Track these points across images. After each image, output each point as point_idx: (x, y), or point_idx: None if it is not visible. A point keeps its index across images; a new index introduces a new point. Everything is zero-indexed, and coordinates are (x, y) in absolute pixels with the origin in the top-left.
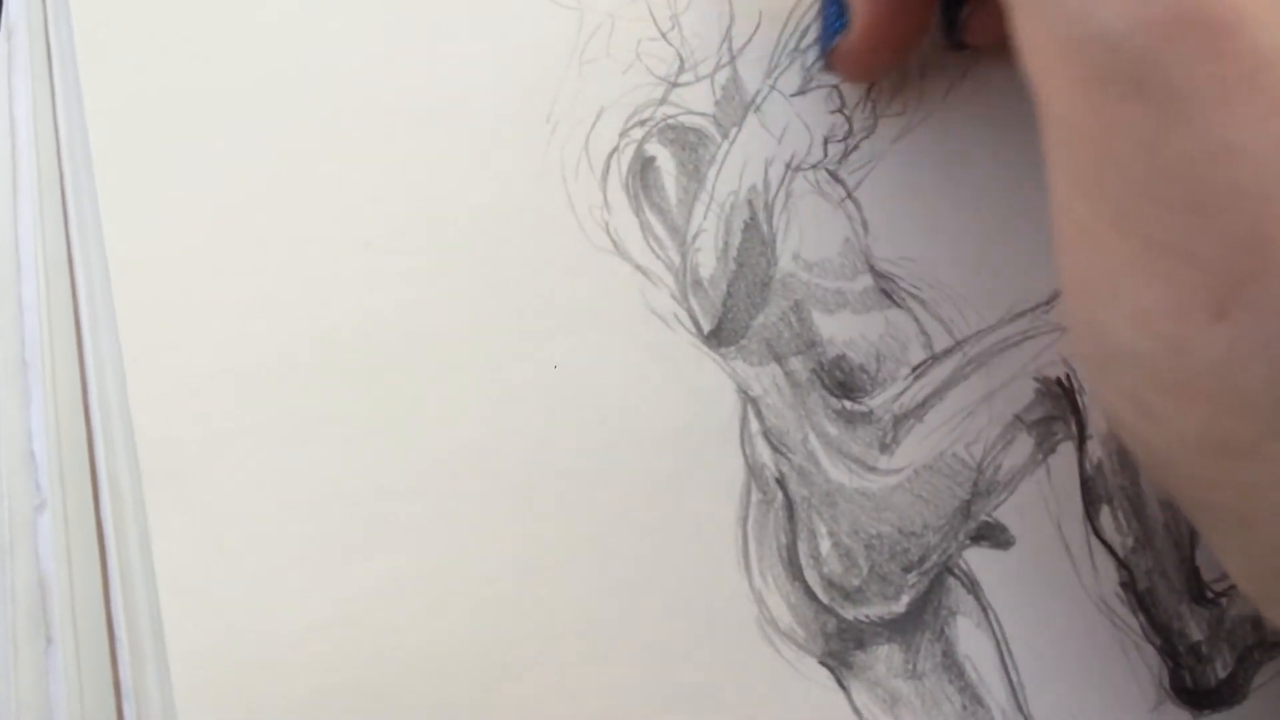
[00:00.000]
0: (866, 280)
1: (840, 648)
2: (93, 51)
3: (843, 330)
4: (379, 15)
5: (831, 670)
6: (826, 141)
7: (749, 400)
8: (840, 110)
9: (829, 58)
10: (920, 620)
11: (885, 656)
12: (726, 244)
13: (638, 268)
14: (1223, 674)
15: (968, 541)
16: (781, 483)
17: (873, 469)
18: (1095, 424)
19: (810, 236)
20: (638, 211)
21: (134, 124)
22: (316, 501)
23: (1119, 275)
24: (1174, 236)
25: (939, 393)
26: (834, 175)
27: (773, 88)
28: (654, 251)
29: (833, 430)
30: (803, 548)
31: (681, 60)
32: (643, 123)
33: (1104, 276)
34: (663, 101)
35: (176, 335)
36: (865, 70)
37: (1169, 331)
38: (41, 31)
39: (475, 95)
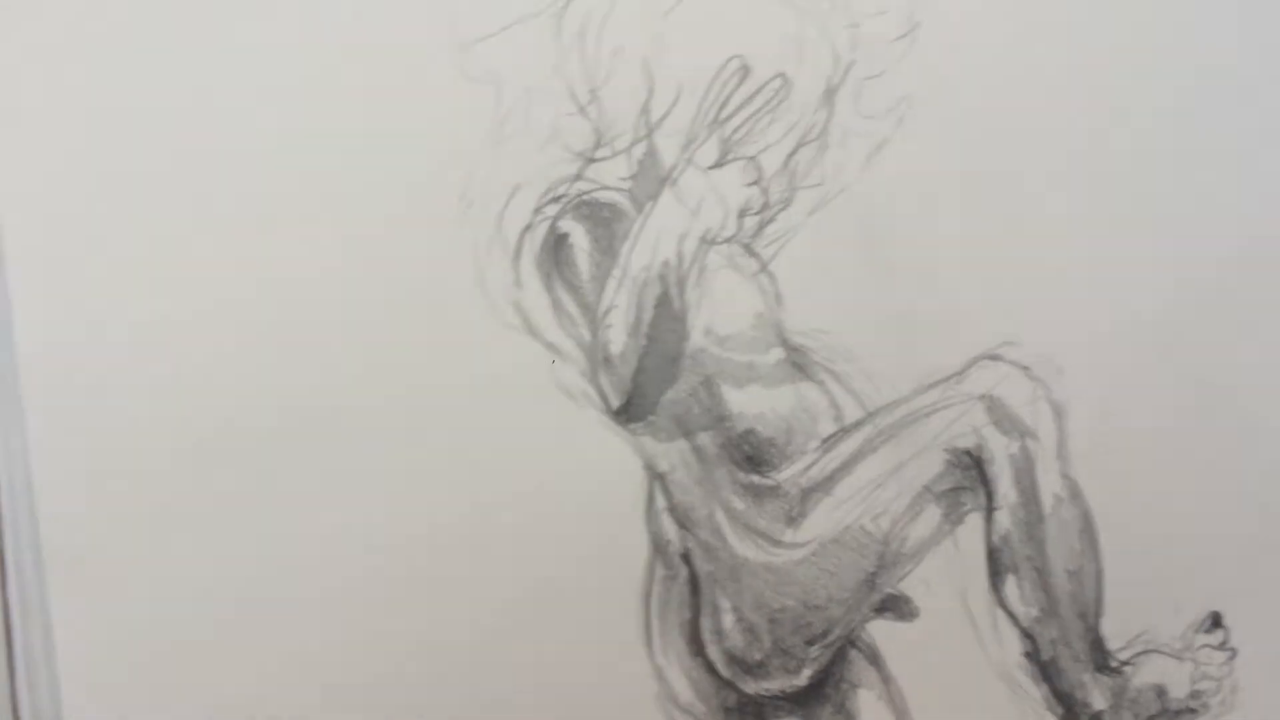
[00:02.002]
0: (779, 353)
1: None
2: None
3: (753, 404)
4: (293, 88)
5: None
6: (742, 214)
7: (656, 476)
8: (757, 182)
9: None
10: (822, 693)
11: None
12: (638, 320)
13: (547, 345)
14: None
15: (872, 614)
16: (686, 558)
17: (779, 543)
18: (1003, 494)
19: (723, 310)
20: (549, 289)
21: (44, 194)
22: (218, 585)
23: None
24: None
25: (848, 465)
26: (749, 248)
27: (689, 161)
28: (564, 329)
29: (740, 505)
30: (705, 623)
31: (598, 135)
32: (557, 199)
33: None
34: (578, 177)
35: (84, 420)
36: None
37: None
38: None
39: (389, 173)
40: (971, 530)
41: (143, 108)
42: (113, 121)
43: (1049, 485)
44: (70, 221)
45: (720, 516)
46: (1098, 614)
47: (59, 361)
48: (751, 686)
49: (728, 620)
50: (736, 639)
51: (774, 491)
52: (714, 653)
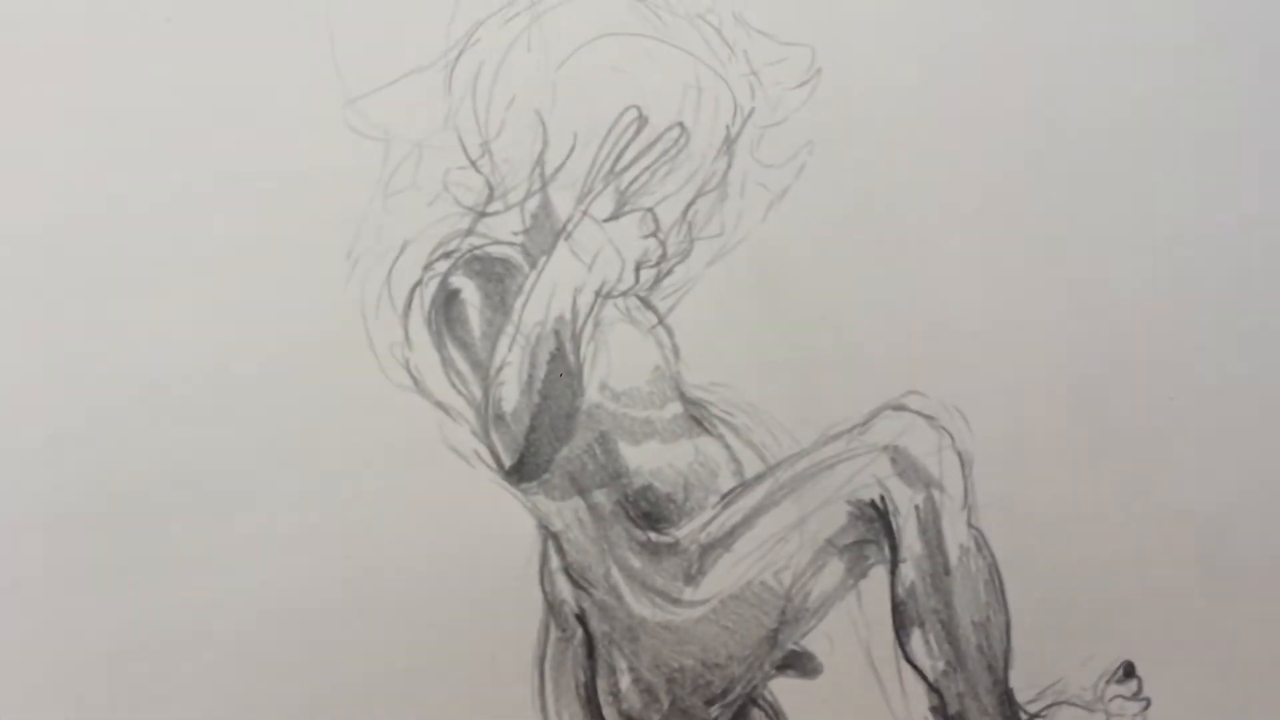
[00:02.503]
0: (676, 408)
1: None
2: None
3: (650, 460)
4: (176, 143)
5: None
6: (639, 267)
7: (550, 536)
8: (654, 234)
9: None
10: None
11: None
12: (531, 376)
13: (437, 404)
14: None
15: (774, 671)
16: (582, 619)
17: (677, 601)
18: (908, 547)
19: (619, 365)
20: (439, 347)
21: None
22: (101, 654)
23: None
24: None
25: (749, 520)
26: (645, 301)
27: (585, 213)
28: (455, 387)
29: (636, 563)
30: (602, 684)
31: (491, 188)
32: (448, 254)
33: None
34: (470, 232)
35: None
36: None
37: None
38: None
39: (274, 231)
40: (876, 584)
41: (25, 167)
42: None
43: (955, 536)
44: None
45: (617, 575)
46: (1006, 666)
47: None
48: None
49: (624, 681)
50: (634, 700)
51: (672, 549)
52: (610, 715)
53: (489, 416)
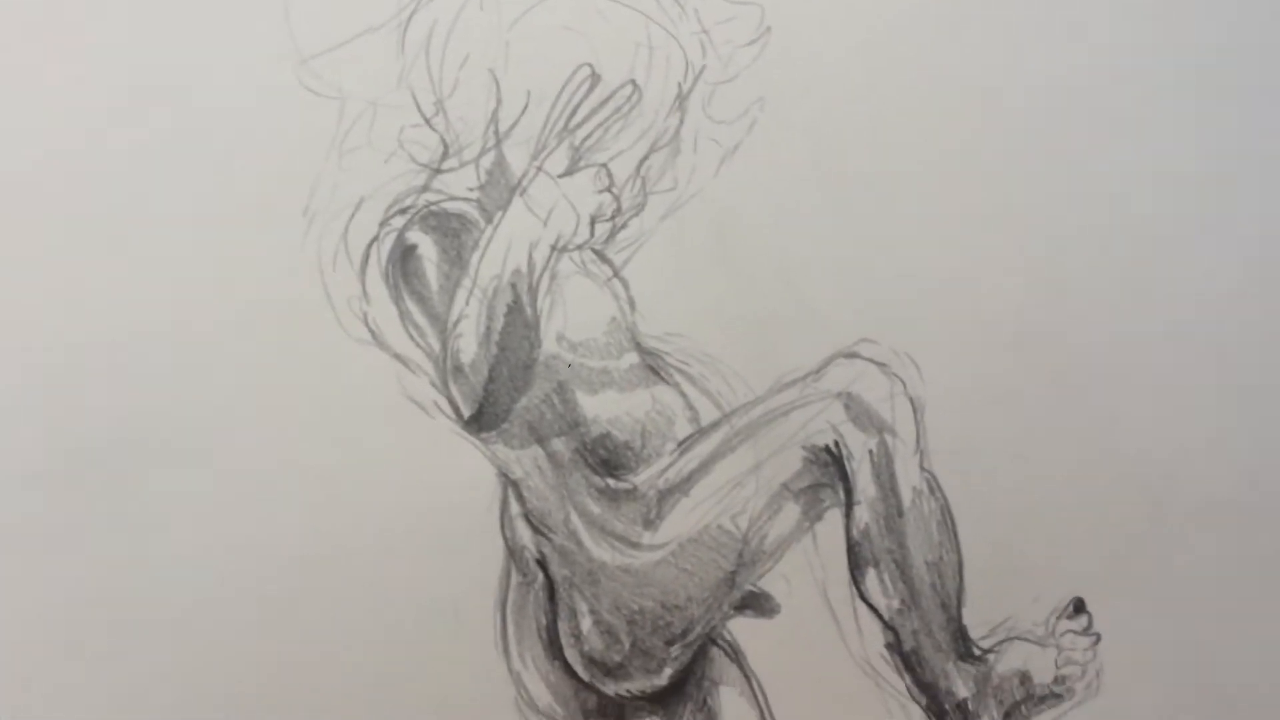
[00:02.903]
0: (633, 358)
1: None
2: None
3: (607, 409)
4: (137, 108)
5: None
6: (594, 221)
7: (510, 483)
8: (609, 189)
9: None
10: (683, 692)
11: None
12: (489, 329)
13: (396, 356)
14: None
15: (732, 611)
16: (542, 563)
17: (636, 545)
18: (863, 489)
19: (575, 317)
20: (397, 300)
21: None
22: (63, 608)
23: None
24: None
25: (705, 466)
26: (601, 254)
27: (539, 169)
28: (414, 340)
29: (595, 509)
30: (563, 627)
31: (446, 146)
32: (404, 210)
33: None
34: (425, 188)
35: None
36: None
37: None
38: None
39: (232, 188)
40: (831, 526)
41: None
42: None
43: (908, 479)
44: None
45: (576, 521)
46: (959, 604)
47: None
48: (612, 688)
49: (586, 623)
50: (595, 641)
51: (631, 494)
52: (573, 656)
53: (448, 368)
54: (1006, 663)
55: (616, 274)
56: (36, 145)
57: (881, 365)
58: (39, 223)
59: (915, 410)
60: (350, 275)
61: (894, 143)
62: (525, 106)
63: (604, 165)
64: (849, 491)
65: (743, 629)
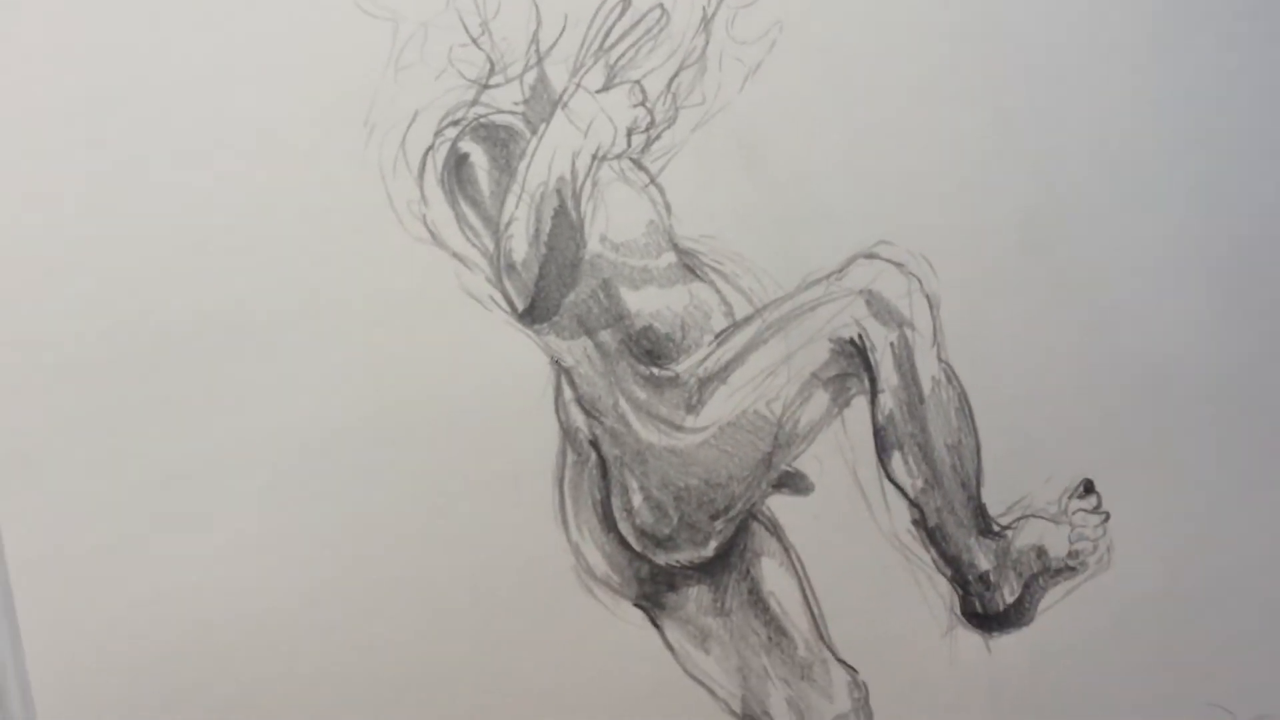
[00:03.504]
0: (670, 257)
1: (653, 591)
2: None
3: (649, 303)
4: (204, 31)
5: (645, 611)
6: (630, 133)
7: (562, 371)
8: (643, 104)
9: None
10: (728, 562)
11: (695, 596)
12: (538, 230)
13: (454, 255)
14: (1010, 599)
15: (770, 490)
16: (595, 444)
17: (680, 428)
18: (886, 379)
19: (616, 220)
20: (453, 204)
21: None
22: (153, 481)
23: None
24: None
25: (741, 356)
26: (638, 163)
27: (578, 85)
28: (469, 240)
29: (641, 394)
30: (616, 502)
31: (492, 64)
32: (456, 122)
33: None
34: (474, 102)
35: (19, 333)
36: None
37: None
38: None
39: (296, 102)
40: (858, 412)
41: (66, 55)
42: (47, 77)
43: (927, 369)
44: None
45: (624, 405)
46: (978, 484)
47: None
48: (662, 558)
49: (636, 499)
50: (646, 515)
51: (673, 382)
52: (625, 529)
53: (501, 266)
54: (1023, 538)
55: (653, 181)
56: (117, 59)
57: (899, 265)
58: (129, 133)
59: (931, 306)
60: (409, 181)
61: (903, 58)
62: (563, 28)
63: (637, 82)
64: (873, 380)
65: (780, 505)
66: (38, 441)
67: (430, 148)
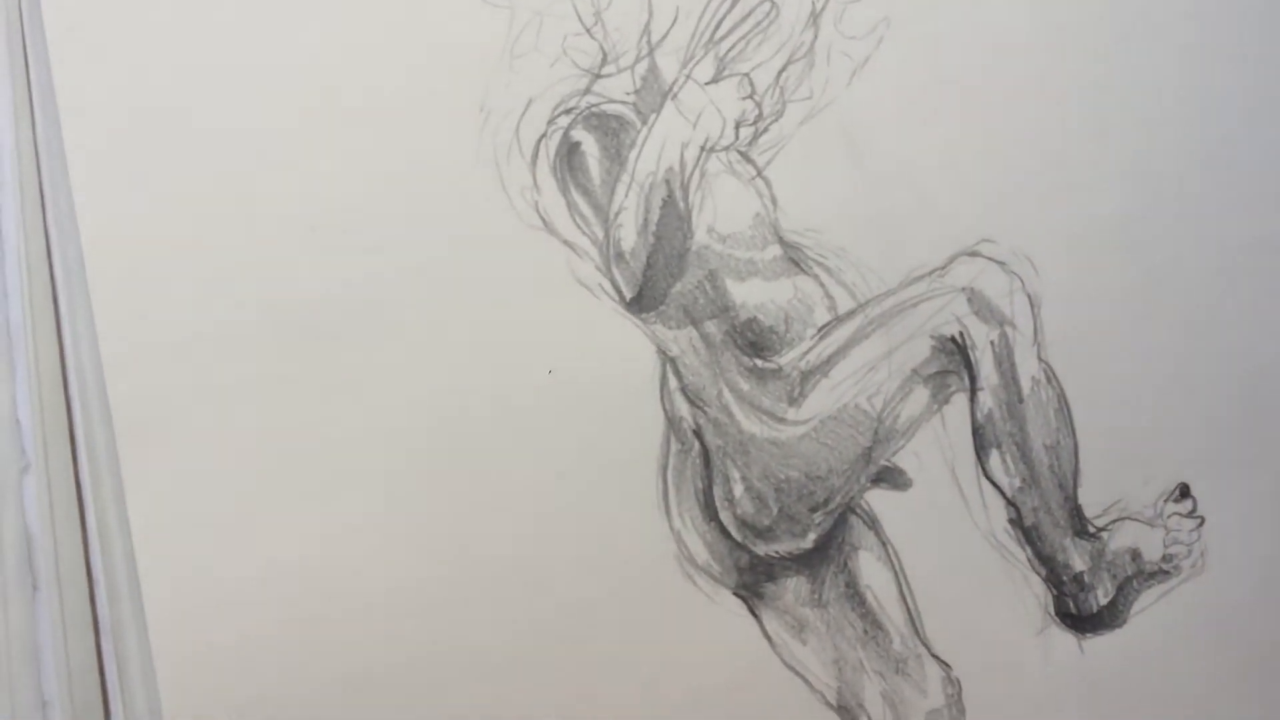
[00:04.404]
0: (776, 250)
1: (752, 580)
2: (65, 63)
3: (754, 295)
4: (326, 18)
5: (744, 600)
6: (738, 125)
7: (668, 360)
8: (751, 96)
9: None
10: (826, 555)
11: (794, 587)
12: (646, 220)
13: (565, 242)
14: (1104, 601)
15: (869, 484)
16: (698, 433)
17: (782, 420)
18: (986, 377)
19: (723, 211)
20: (565, 192)
21: (103, 126)
22: (274, 456)
23: None
24: None
25: (842, 350)
26: (745, 155)
27: (688, 77)
28: (580, 228)
29: (745, 386)
30: (718, 492)
31: (604, 53)
32: (569, 111)
33: None
34: (587, 91)
35: (146, 308)
36: None
37: None
38: (20, 44)
39: (414, 87)
40: (958, 409)
41: (190, 34)
42: (171, 60)
43: (1027, 369)
44: (126, 140)
45: (728, 396)
46: (1075, 484)
47: (122, 252)
48: (762, 549)
49: (738, 489)
50: (747, 506)
51: (776, 374)
52: (727, 518)
53: (610, 254)
54: (1119, 540)
55: (760, 173)
56: (239, 42)
57: (1001, 263)
58: (251, 116)
59: (1032, 305)
60: (522, 167)
61: (1007, 58)
62: (674, 19)
63: (746, 75)
64: (973, 378)
65: (879, 500)
66: (158, 419)
67: (543, 135)
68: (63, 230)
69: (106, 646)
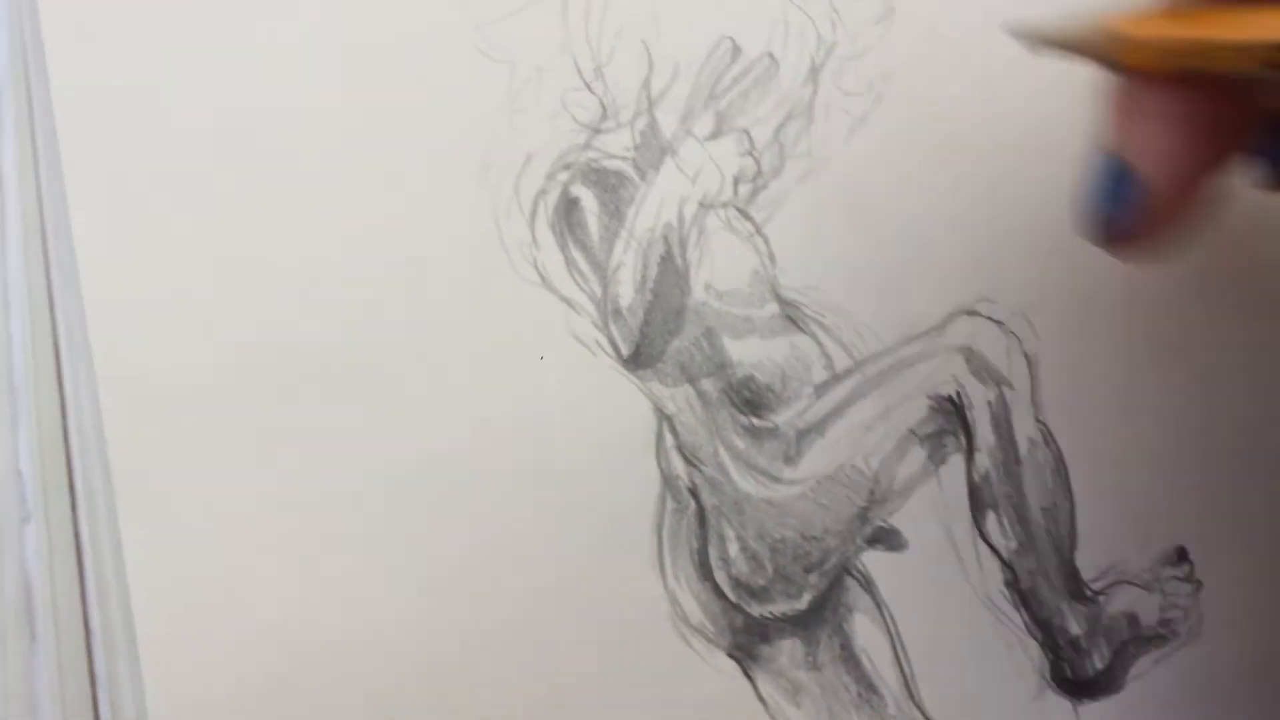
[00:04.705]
0: (773, 308)
1: (747, 641)
2: (69, 109)
3: (751, 353)
4: (329, 71)
5: (739, 662)
6: (737, 181)
7: (664, 417)
8: (750, 153)
9: (1108, 234)
10: (821, 616)
11: (788, 649)
12: (644, 276)
13: (563, 298)
14: (1100, 666)
15: (864, 545)
16: (694, 492)
17: (778, 479)
18: (982, 438)
19: (721, 268)
20: (563, 247)
21: (106, 176)
22: (272, 510)
23: None
24: None
25: (839, 410)
26: (744, 212)
27: (688, 133)
28: (578, 284)
29: (741, 444)
30: (713, 551)
31: (604, 108)
32: (568, 166)
33: None
34: (586, 147)
35: (146, 363)
36: (1156, 246)
37: None
38: (24, 92)
39: (415, 141)
40: (954, 470)
41: (191, 88)
42: (158, 107)
43: (1024, 430)
44: (129, 190)
45: (724, 454)
46: (1072, 547)
47: (123, 302)
48: (756, 609)
49: (733, 549)
50: (742, 566)
51: (772, 433)
52: (721, 578)
53: (608, 310)
54: (1115, 604)
55: (758, 230)
56: (242, 92)
57: (999, 323)
58: (246, 168)
59: (1030, 365)
60: (521, 223)
61: (1007, 114)
62: (674, 75)
63: (745, 131)
64: (970, 439)
65: (874, 561)
66: (158, 472)
67: (542, 190)
68: (65, 283)
69: (102, 698)
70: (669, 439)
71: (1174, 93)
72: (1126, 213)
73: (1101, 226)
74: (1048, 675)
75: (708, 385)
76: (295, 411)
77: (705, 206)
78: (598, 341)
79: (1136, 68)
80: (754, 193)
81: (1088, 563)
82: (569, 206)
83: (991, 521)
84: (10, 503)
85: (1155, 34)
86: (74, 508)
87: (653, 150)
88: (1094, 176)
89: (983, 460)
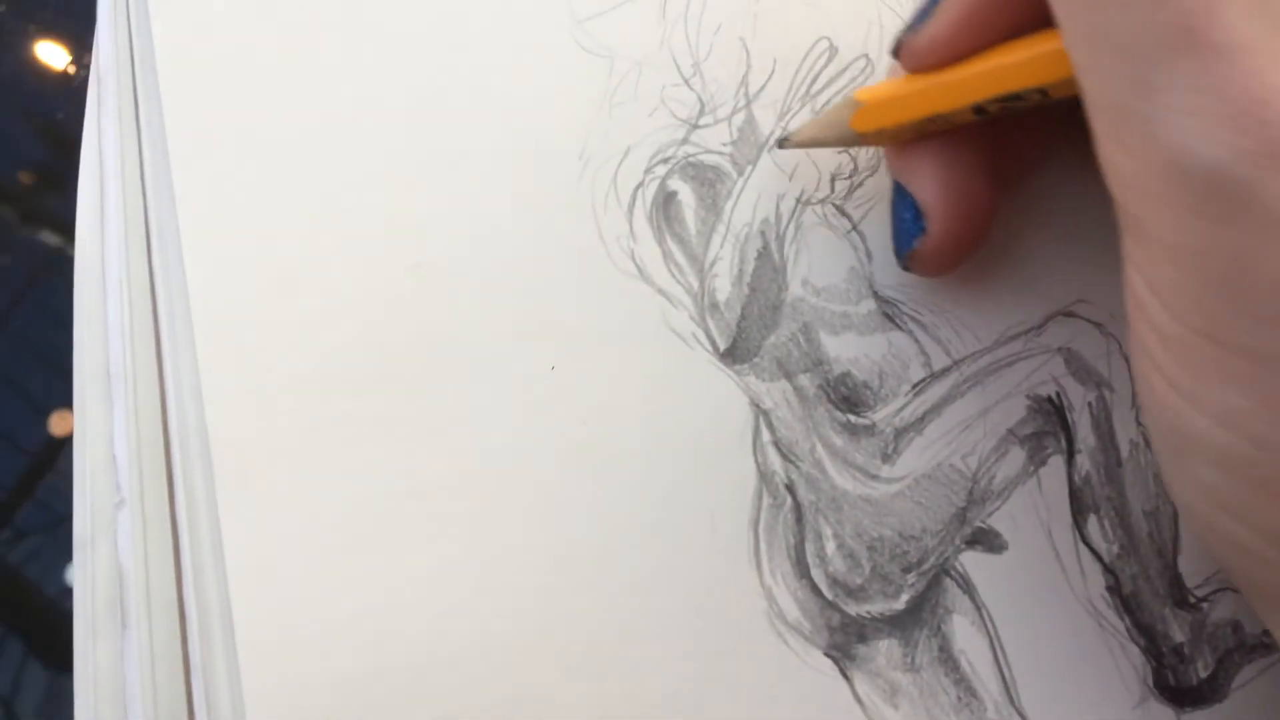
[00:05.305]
0: (870, 305)
1: (844, 641)
2: (175, 95)
3: (848, 350)
4: (433, 63)
5: (835, 661)
6: (834, 178)
7: (761, 413)
8: (847, 150)
9: (908, 260)
10: (919, 617)
11: (886, 650)
12: (741, 270)
13: (660, 291)
14: (1204, 674)
15: (963, 545)
16: (790, 488)
17: (875, 477)
18: (1083, 439)
19: (818, 264)
20: (660, 241)
21: (212, 159)
22: (370, 499)
23: (1205, 376)
24: (1265, 344)
25: (937, 408)
26: (840, 209)
27: (785, 129)
28: (674, 277)
29: (838, 441)
30: (810, 548)
31: (702, 104)
32: (666, 160)
33: (1188, 377)
34: (684, 141)
35: (246, 349)
36: (946, 268)
37: (1256, 431)
38: (129, 76)
39: (516, 134)
40: (1054, 471)
41: (297, 82)
42: (266, 95)
43: (1126, 432)
44: (234, 175)
45: (821, 451)
46: (1175, 553)
47: (226, 289)
48: (853, 608)
49: (830, 546)
50: (839, 564)
51: (870, 430)
52: (818, 576)
53: (705, 304)
54: (1219, 612)
55: (855, 227)
56: (343, 86)
57: (1098, 324)
58: (347, 160)
59: (1130, 367)
60: (619, 215)
61: None
62: (771, 72)
63: None
64: (1070, 440)
65: (973, 562)
66: (257, 458)
67: (640, 184)
68: (167, 267)
69: (196, 686)
70: (765, 434)
71: (921, 147)
72: (919, 240)
73: (901, 253)
74: (1150, 682)
75: (804, 381)
76: (395, 402)
77: (802, 203)
78: (694, 335)
79: (876, 143)
80: (851, 189)
81: (1191, 569)
82: (666, 200)
83: (1093, 524)
84: (104, 488)
85: (879, 117)
86: (171, 495)
87: (750, 146)
88: (893, 209)
89: (1084, 462)
